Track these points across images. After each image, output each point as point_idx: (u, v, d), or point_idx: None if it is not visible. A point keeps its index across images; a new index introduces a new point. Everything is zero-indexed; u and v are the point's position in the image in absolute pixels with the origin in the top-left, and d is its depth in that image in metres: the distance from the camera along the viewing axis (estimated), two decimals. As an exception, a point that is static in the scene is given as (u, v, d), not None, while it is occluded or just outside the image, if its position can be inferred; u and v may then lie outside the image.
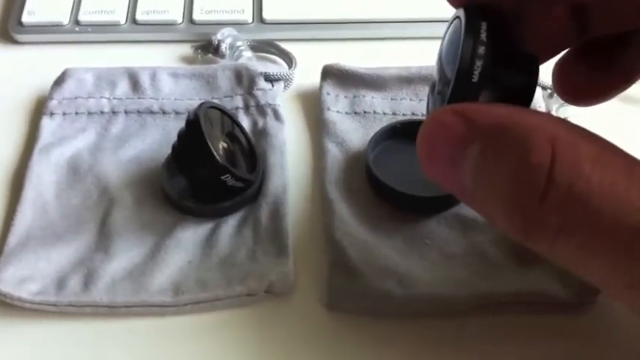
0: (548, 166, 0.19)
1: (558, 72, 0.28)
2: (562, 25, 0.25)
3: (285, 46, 0.43)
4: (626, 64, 0.27)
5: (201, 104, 0.33)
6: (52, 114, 0.38)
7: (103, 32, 0.44)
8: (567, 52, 0.28)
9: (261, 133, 0.38)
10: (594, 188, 0.18)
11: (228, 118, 0.36)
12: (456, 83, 0.22)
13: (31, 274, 0.31)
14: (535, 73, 0.23)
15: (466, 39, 0.22)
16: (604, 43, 0.27)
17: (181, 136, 0.33)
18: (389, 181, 0.34)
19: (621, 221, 0.18)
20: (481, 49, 0.22)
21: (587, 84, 0.28)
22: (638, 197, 0.18)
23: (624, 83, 0.27)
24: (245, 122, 0.38)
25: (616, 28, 0.25)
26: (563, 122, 0.20)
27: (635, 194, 0.18)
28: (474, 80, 0.22)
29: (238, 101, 0.39)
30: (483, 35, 0.22)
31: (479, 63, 0.22)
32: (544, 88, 0.39)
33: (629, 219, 0.18)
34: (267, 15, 0.45)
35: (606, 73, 0.27)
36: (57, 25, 0.44)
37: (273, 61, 0.43)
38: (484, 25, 0.22)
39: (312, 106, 0.40)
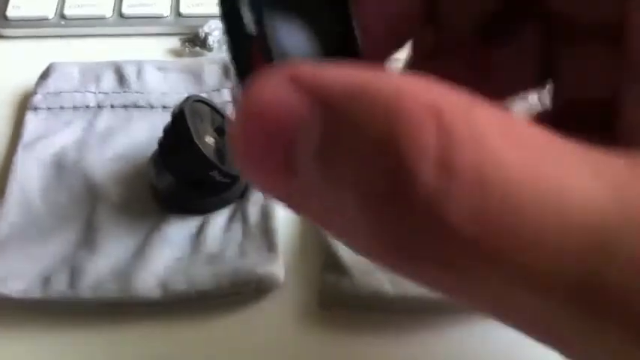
0: (436, 144, 0.12)
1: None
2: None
3: (273, 38, 0.42)
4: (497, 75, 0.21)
5: (187, 98, 0.33)
6: (36, 109, 0.38)
7: (88, 26, 0.44)
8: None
9: (250, 127, 0.37)
10: (513, 173, 0.11)
11: (217, 112, 0.35)
12: (230, 48, 0.16)
13: (16, 271, 0.31)
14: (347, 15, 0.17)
15: None
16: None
17: (167, 130, 0.33)
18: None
19: (568, 229, 0.11)
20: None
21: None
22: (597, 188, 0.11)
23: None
24: (233, 116, 0.37)
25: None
26: (440, 83, 0.13)
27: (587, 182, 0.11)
28: (248, 32, 0.15)
29: (226, 95, 0.38)
30: None
31: (244, 8, 0.15)
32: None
33: (579, 222, 0.11)
34: (255, 7, 0.44)
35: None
36: (42, 19, 0.44)
37: (262, 54, 0.43)
38: None
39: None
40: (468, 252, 0.12)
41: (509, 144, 0.12)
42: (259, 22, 0.15)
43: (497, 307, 0.13)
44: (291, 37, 0.16)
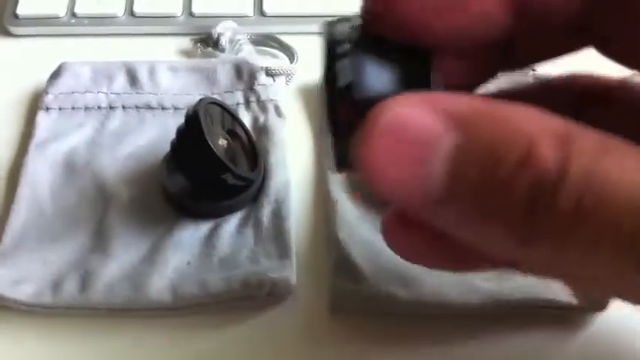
0: (561, 157, 0.15)
1: None
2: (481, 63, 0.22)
3: (286, 39, 0.42)
4: None
5: (200, 100, 0.32)
6: (48, 109, 0.37)
7: (100, 25, 0.43)
8: None
9: (262, 129, 0.37)
10: (612, 177, 0.15)
11: (229, 114, 0.35)
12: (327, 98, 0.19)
13: (26, 275, 0.31)
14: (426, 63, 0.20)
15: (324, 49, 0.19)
16: None
17: (180, 133, 0.32)
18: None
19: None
20: (342, 48, 0.18)
21: None
22: None
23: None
24: (245, 118, 0.37)
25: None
26: (545, 112, 0.16)
27: None
28: (339, 85, 0.18)
29: (239, 97, 0.38)
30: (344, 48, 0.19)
31: (340, 65, 0.18)
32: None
33: None
34: (267, 8, 0.44)
35: None
36: (53, 18, 0.43)
37: (275, 56, 0.42)
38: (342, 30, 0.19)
39: (315, 101, 0.39)
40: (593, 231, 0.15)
41: (608, 156, 0.15)
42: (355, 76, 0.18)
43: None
44: (379, 83, 0.19)
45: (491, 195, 0.16)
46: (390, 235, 0.21)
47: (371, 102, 0.17)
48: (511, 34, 0.21)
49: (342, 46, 0.19)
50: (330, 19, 0.20)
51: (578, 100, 0.23)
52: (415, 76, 0.19)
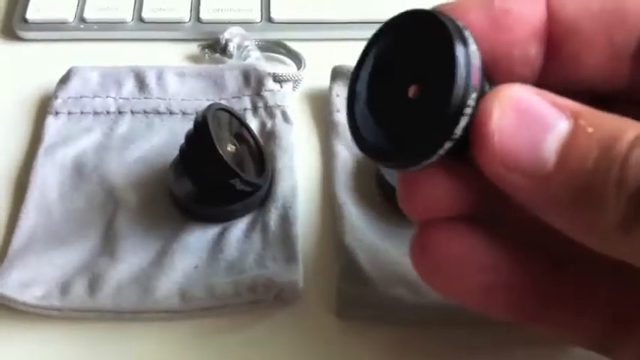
0: None
1: None
2: None
3: (294, 46, 0.42)
4: None
5: (209, 106, 0.33)
6: (57, 113, 0.38)
7: (108, 30, 0.44)
8: None
9: (270, 134, 0.37)
10: None
11: (236, 119, 0.35)
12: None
13: (35, 278, 0.31)
14: None
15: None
16: None
17: (189, 138, 0.33)
18: (400, 185, 0.33)
19: None
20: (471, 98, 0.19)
21: None
22: None
23: None
24: (253, 124, 0.37)
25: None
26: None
27: None
28: (455, 136, 0.19)
29: (246, 102, 0.38)
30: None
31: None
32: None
33: None
34: (275, 14, 0.44)
35: None
36: (62, 23, 0.44)
37: (282, 62, 0.43)
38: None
39: (322, 107, 0.40)
40: None
41: None
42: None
43: None
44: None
45: (602, 175, 0.18)
46: (417, 256, 0.23)
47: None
48: (540, 71, 0.22)
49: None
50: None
51: None
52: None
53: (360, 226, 0.33)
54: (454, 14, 0.20)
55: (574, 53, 0.22)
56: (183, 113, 0.38)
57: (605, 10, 0.21)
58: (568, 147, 0.18)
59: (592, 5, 0.22)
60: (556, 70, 0.22)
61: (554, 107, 0.19)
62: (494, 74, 0.21)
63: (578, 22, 0.22)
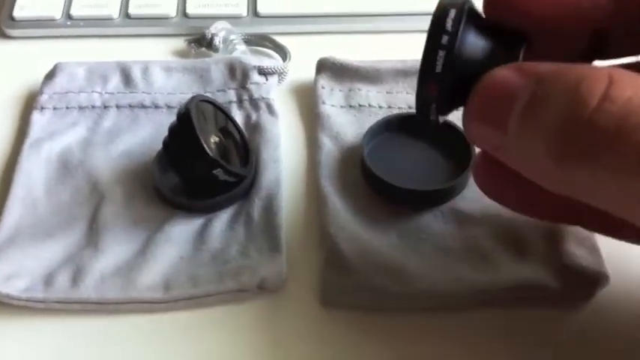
0: (605, 85, 0.19)
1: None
2: (577, 49, 0.24)
3: (279, 39, 0.42)
4: None
5: (192, 97, 0.33)
6: (42, 108, 0.38)
7: (95, 26, 0.44)
8: None
9: (255, 127, 0.37)
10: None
11: (221, 112, 0.35)
12: (419, 79, 0.23)
13: (18, 270, 0.31)
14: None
15: (430, 29, 0.22)
16: None
17: (172, 130, 0.33)
18: (384, 175, 0.33)
19: None
20: (444, 39, 0.22)
21: None
22: None
23: None
24: (238, 116, 0.37)
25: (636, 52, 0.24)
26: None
27: None
28: (437, 71, 0.22)
29: (231, 95, 0.38)
30: (449, 25, 0.22)
31: (441, 53, 0.22)
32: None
33: None
34: (261, 8, 0.44)
35: None
36: (49, 20, 0.44)
37: (268, 55, 0.43)
38: (451, 13, 0.22)
39: (307, 99, 0.40)
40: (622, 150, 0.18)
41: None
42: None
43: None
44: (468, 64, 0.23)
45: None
46: (479, 175, 0.27)
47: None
48: (610, 22, 0.23)
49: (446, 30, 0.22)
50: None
51: None
52: (504, 59, 0.22)
53: (345, 215, 0.33)
54: None
55: None
56: (168, 107, 0.38)
57: None
58: (529, 108, 0.20)
59: None
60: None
61: (521, 76, 0.21)
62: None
63: None
